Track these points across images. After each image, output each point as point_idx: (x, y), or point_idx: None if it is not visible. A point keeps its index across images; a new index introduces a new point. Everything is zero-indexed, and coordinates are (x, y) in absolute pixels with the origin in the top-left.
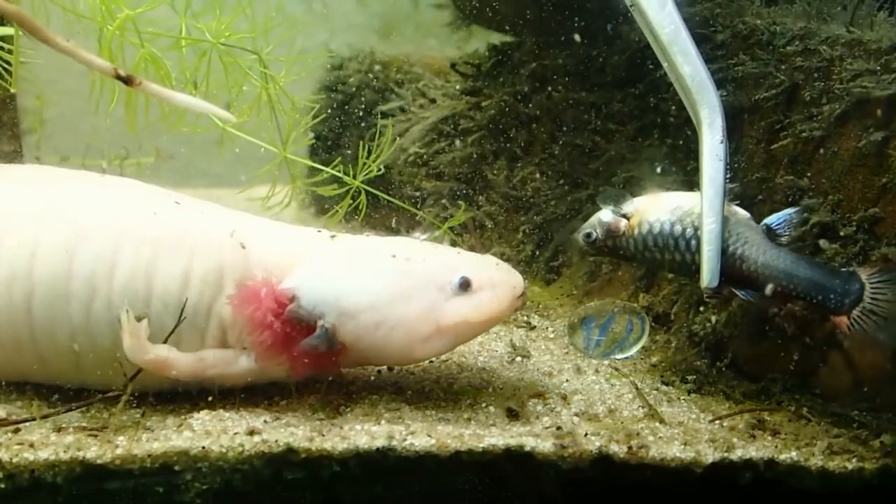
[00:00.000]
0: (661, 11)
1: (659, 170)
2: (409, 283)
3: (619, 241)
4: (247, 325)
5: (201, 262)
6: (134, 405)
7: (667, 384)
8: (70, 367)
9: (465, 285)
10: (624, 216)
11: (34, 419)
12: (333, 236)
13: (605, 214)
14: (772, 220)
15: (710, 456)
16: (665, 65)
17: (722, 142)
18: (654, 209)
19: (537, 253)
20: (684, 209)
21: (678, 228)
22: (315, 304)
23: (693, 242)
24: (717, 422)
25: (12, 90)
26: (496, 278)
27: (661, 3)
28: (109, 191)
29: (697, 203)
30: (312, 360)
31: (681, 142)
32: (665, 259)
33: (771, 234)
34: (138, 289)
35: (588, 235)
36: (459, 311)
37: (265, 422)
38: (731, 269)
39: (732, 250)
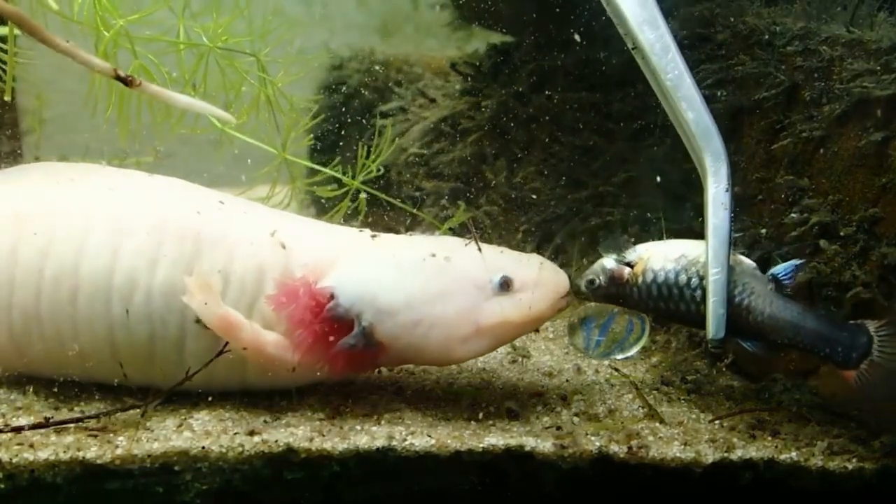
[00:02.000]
0: (665, 57)
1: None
2: (448, 282)
3: (623, 290)
4: (285, 324)
5: (241, 260)
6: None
7: (667, 384)
8: (107, 363)
9: (506, 285)
10: (628, 264)
11: (20, 428)
12: (374, 236)
13: (609, 262)
14: (778, 270)
15: (710, 456)
16: (668, 110)
17: (727, 190)
18: (659, 257)
19: (537, 253)
20: (689, 258)
21: (683, 278)
22: (353, 302)
23: (698, 292)
24: (717, 422)
25: (6, 97)
26: (539, 278)
27: (664, 49)
28: (155, 189)
29: (703, 251)
30: (350, 360)
31: (680, 142)
32: (670, 308)
33: (777, 284)
34: (178, 284)
35: (591, 282)
36: (499, 311)
37: (265, 422)
38: (737, 320)
39: (738, 301)
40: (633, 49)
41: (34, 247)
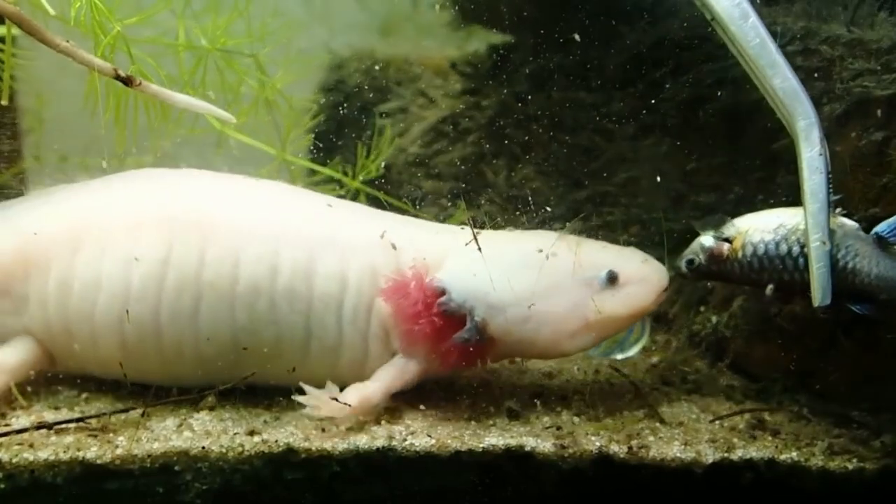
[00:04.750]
0: (745, 24)
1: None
2: (557, 278)
3: (724, 266)
4: (396, 317)
5: (356, 263)
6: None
7: (667, 384)
8: (229, 367)
9: (612, 280)
10: (726, 240)
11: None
12: (478, 233)
13: (707, 239)
14: (882, 227)
15: (710, 456)
16: (754, 78)
17: (821, 154)
18: (757, 229)
19: None
20: (788, 227)
21: (784, 247)
22: (465, 298)
23: (801, 260)
24: (717, 422)
25: (3, 101)
26: (642, 272)
27: (743, 16)
28: (267, 195)
29: (801, 219)
30: (463, 354)
31: (680, 142)
32: (773, 279)
33: (882, 242)
34: (300, 290)
35: (690, 262)
36: (607, 306)
37: (265, 422)
38: (843, 283)
39: (843, 264)
40: (710, 20)
41: (154, 257)
